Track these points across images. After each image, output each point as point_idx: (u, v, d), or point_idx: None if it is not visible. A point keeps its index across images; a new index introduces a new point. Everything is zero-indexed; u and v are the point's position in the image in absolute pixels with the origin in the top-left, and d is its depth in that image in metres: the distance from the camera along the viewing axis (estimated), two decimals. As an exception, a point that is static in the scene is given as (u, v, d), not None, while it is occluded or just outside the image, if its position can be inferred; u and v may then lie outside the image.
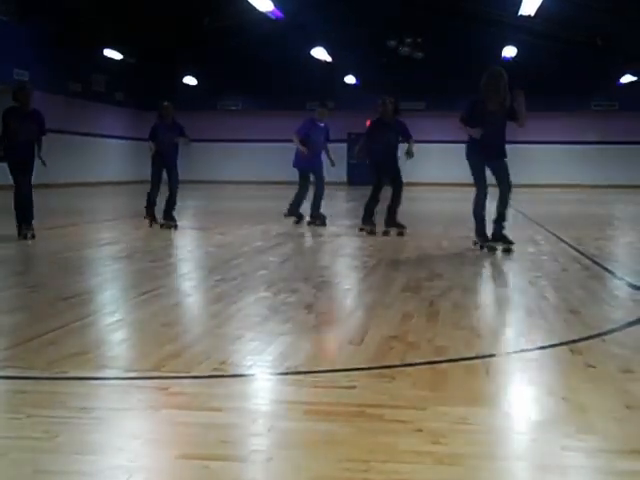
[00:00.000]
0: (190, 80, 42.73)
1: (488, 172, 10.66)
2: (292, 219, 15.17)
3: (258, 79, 41.04)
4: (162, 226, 14.24)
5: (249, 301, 7.00)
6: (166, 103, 14.82)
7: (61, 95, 35.05)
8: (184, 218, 17.70)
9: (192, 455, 3.22)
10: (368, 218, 13.36)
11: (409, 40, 39.97)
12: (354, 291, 7.93)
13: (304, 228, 14.43)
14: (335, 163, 15.19)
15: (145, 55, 40.26)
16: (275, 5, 28.46)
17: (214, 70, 41.93)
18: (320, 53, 38.40)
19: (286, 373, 4.52)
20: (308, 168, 15.19)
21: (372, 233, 13.05)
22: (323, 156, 15.23)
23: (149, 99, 42.14)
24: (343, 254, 10.95)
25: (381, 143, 13.15)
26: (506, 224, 10.74)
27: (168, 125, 14.60)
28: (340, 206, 22.61)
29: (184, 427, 3.57)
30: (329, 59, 39.25)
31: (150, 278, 8.41)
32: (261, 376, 4.55)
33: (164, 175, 14.53)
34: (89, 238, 11.99)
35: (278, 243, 11.91)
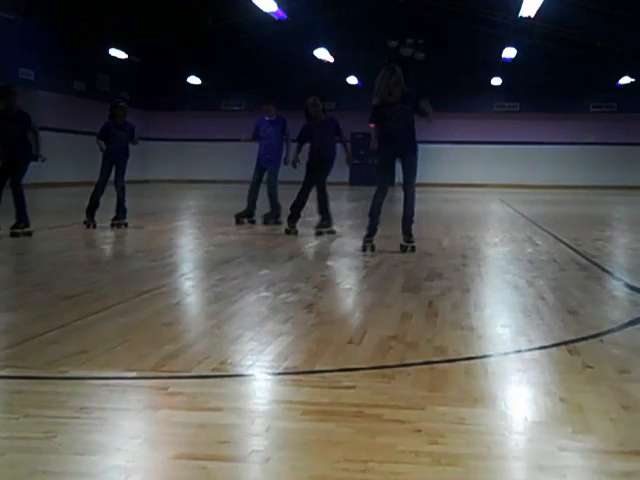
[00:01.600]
0: (194, 80, 42.77)
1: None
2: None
3: (261, 79, 41.01)
4: (112, 226, 14.07)
5: (249, 301, 7.00)
6: (122, 103, 14.90)
7: (66, 94, 35.08)
8: (184, 217, 17.74)
9: (190, 455, 3.23)
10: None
11: (410, 41, 40.00)
12: (354, 291, 7.94)
13: (302, 228, 14.41)
14: (290, 161, 14.55)
15: (150, 55, 40.32)
16: (279, 6, 28.50)
17: (218, 70, 41.99)
18: (323, 54, 38.43)
19: (285, 373, 4.53)
20: (263, 163, 15.31)
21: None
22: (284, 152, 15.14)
23: (154, 98, 42.33)
24: (343, 254, 10.96)
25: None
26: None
27: (120, 125, 14.63)
28: (342, 206, 22.59)
29: (183, 427, 3.58)
30: (331, 60, 39.27)
31: (150, 277, 8.42)
32: (260, 376, 4.56)
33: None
34: (90, 237, 11.99)
35: (282, 243, 11.92)
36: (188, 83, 42.67)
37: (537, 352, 5.06)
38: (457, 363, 4.75)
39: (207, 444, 3.36)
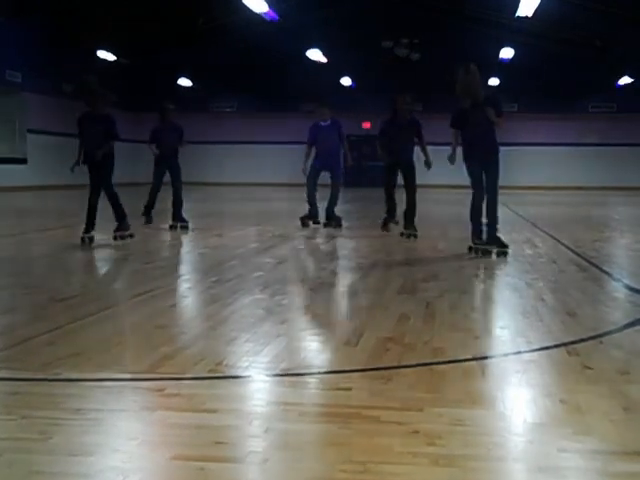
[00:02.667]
0: (185, 81, 42.70)
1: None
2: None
3: (253, 81, 41.02)
4: (171, 227, 14.32)
5: (245, 302, 6.98)
6: (172, 106, 15.10)
7: (54, 96, 35.03)
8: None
9: (188, 456, 3.21)
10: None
11: (405, 41, 40.01)
12: (350, 293, 7.92)
13: (302, 230, 14.38)
14: (350, 162, 14.90)
15: (139, 56, 40.24)
16: (270, 6, 28.46)
17: (208, 71, 41.91)
18: (316, 54, 38.38)
19: (282, 375, 4.51)
20: (322, 168, 15.13)
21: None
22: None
23: (143, 100, 42.21)
24: (339, 255, 10.94)
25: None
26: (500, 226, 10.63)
27: (168, 127, 14.80)
28: (340, 208, 22.57)
29: (179, 428, 3.56)
30: (324, 60, 39.23)
31: (145, 279, 8.40)
32: (257, 377, 4.53)
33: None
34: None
35: (274, 245, 11.90)
36: (178, 84, 42.58)
37: (536, 353, 5.04)
38: (455, 364, 4.73)
39: (204, 445, 3.34)
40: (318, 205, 14.87)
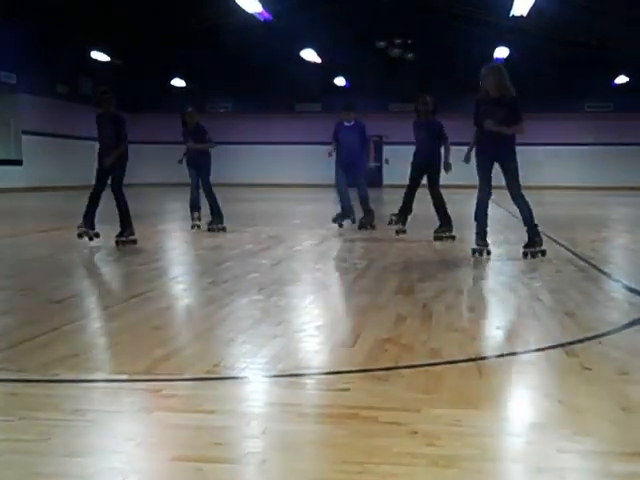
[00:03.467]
0: (178, 82, 42.71)
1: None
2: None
3: (247, 81, 41.08)
4: (209, 229, 14.48)
5: (241, 304, 6.98)
6: (189, 109, 15.19)
7: (48, 97, 35.02)
8: (174, 220, 17.70)
9: (186, 457, 3.20)
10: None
11: (399, 41, 40.05)
12: (347, 293, 7.91)
13: (298, 231, 14.39)
14: (371, 162, 14.86)
15: (133, 57, 40.25)
16: (263, 6, 28.47)
17: (203, 72, 41.94)
18: (310, 55, 38.40)
19: (279, 375, 4.50)
20: (343, 166, 15.14)
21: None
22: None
23: (137, 101, 42.21)
24: (335, 257, 10.93)
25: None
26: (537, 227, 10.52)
27: (192, 130, 14.94)
28: (332, 208, 22.57)
29: (177, 429, 3.55)
30: (319, 60, 39.26)
31: (141, 281, 8.39)
32: (254, 378, 4.52)
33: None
34: (79, 241, 11.94)
35: (269, 246, 11.89)
36: (172, 85, 42.59)
37: (534, 354, 5.04)
38: (453, 365, 4.72)
39: (202, 446, 3.34)
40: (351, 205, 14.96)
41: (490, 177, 10.44)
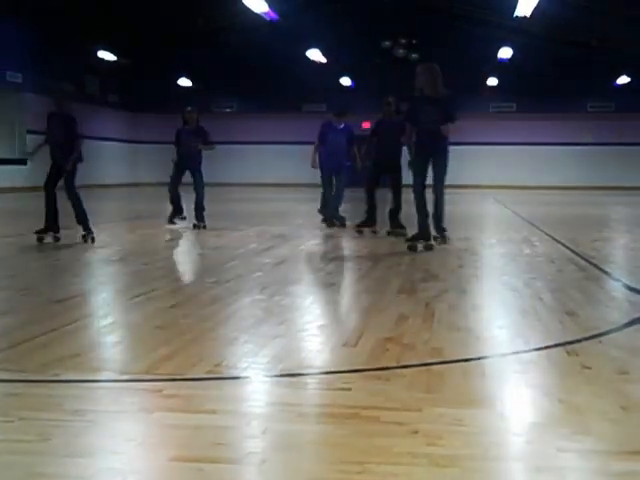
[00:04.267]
0: (184, 81, 42.71)
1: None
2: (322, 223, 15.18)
3: (253, 81, 41.04)
4: (194, 227, 14.72)
5: (244, 303, 6.99)
6: (189, 108, 15.15)
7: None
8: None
9: (186, 457, 3.20)
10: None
11: (404, 41, 40.03)
12: (349, 293, 7.92)
13: (301, 230, 14.39)
14: (360, 165, 14.82)
15: (139, 56, 40.25)
16: (270, 6, 28.46)
17: (208, 72, 41.91)
18: (315, 55, 38.39)
19: (281, 375, 4.50)
20: (327, 169, 15.24)
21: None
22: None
23: (143, 101, 42.24)
24: (338, 256, 10.93)
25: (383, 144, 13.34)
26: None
27: (192, 130, 14.91)
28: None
29: (178, 429, 3.55)
30: (324, 60, 39.24)
31: (144, 280, 8.39)
32: (256, 378, 4.52)
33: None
34: (82, 241, 11.92)
35: (273, 245, 11.89)
36: (178, 85, 42.58)
37: (535, 353, 5.04)
38: (454, 365, 4.73)
39: (203, 446, 3.34)
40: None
41: (426, 172, 10.97)
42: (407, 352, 5.02)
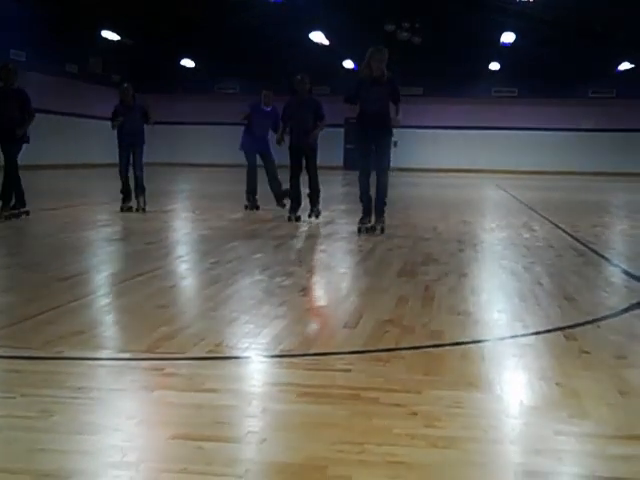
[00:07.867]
0: (188, 62, 42.63)
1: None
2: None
3: (256, 62, 40.90)
4: (135, 209, 14.19)
5: (244, 284, 7.01)
6: (125, 85, 14.76)
7: (58, 76, 34.96)
8: (181, 201, 17.73)
9: (186, 436, 3.23)
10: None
11: (407, 25, 39.92)
12: (349, 275, 7.92)
13: (300, 212, 14.40)
14: (281, 143, 13.63)
15: (142, 37, 40.12)
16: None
17: (212, 53, 41.80)
18: (318, 37, 38.29)
19: (281, 356, 4.53)
20: (252, 151, 15.51)
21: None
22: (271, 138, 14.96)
23: (146, 81, 42.10)
24: (338, 238, 10.95)
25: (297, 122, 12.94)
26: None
27: (129, 106, 14.55)
28: (335, 190, 22.59)
29: (178, 408, 3.58)
30: (327, 43, 39.14)
31: (145, 260, 8.40)
32: (256, 358, 4.55)
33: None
34: (84, 220, 11.99)
35: (275, 226, 11.91)
36: (181, 65, 42.51)
37: (533, 337, 5.06)
38: (453, 347, 4.75)
39: (203, 425, 3.36)
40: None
41: (370, 157, 10.91)
42: (407, 334, 5.04)
